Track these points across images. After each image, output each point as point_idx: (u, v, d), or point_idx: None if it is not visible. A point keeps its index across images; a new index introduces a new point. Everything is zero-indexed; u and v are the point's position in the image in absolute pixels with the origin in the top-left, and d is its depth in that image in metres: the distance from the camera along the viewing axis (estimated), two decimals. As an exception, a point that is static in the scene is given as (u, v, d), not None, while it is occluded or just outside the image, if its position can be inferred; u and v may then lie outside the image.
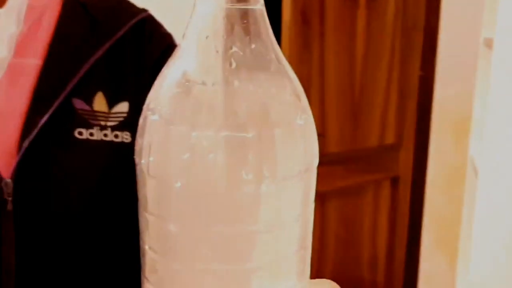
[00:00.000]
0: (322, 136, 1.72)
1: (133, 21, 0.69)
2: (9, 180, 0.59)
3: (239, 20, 0.26)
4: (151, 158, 0.26)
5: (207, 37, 0.26)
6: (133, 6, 0.73)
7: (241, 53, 0.26)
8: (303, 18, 1.70)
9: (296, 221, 0.27)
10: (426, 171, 1.92)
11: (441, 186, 1.90)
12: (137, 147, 0.27)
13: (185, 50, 0.26)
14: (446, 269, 1.90)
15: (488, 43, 1.32)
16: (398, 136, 1.93)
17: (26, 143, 0.59)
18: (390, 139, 1.93)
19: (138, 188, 0.28)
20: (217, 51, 0.26)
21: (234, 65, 0.26)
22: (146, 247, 0.28)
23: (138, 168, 0.27)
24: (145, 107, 0.27)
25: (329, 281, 0.32)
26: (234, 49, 0.26)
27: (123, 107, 0.64)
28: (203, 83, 0.26)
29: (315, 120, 0.28)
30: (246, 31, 0.26)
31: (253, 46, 0.26)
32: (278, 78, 0.26)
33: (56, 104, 0.61)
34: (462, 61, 1.81)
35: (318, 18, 1.73)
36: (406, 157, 1.95)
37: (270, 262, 0.27)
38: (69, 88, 0.62)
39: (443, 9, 1.82)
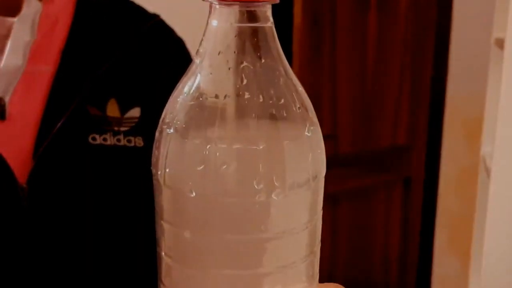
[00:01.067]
0: (333, 137, 1.73)
1: (145, 27, 0.70)
2: (24, 185, 0.60)
3: (250, 37, 0.27)
4: (167, 169, 0.27)
5: (219, 53, 0.27)
6: (144, 11, 0.74)
7: (252, 68, 0.27)
8: (314, 20, 1.71)
9: (305, 228, 0.28)
10: (439, 171, 1.91)
11: (453, 187, 1.90)
12: (153, 159, 0.29)
13: (198, 66, 0.28)
14: (459, 270, 1.90)
15: (500, 43, 1.32)
16: (410, 136, 1.93)
17: (41, 149, 0.61)
18: (402, 139, 1.93)
19: (154, 197, 0.29)
20: (229, 67, 0.27)
21: (245, 79, 0.27)
22: (162, 253, 0.30)
23: (154, 178, 0.29)
24: (161, 121, 0.29)
25: (336, 284, 0.33)
26: (245, 64, 0.27)
27: (135, 112, 0.66)
28: (216, 97, 0.27)
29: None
30: (257, 47, 0.27)
31: (263, 61, 0.27)
32: (287, 91, 0.28)
33: (69, 110, 0.62)
34: (474, 61, 1.80)
35: (329, 20, 1.73)
36: (418, 158, 1.95)
37: (280, 267, 0.28)
38: (82, 94, 0.63)
39: (455, 9, 1.82)
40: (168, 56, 0.71)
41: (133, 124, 0.65)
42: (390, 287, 2.06)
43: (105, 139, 0.63)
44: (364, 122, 1.85)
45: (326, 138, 0.29)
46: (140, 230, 0.66)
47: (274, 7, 0.28)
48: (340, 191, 1.86)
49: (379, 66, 1.83)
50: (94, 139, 0.63)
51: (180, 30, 0.74)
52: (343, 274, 1.95)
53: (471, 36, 1.81)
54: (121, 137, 0.64)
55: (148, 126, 0.66)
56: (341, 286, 0.33)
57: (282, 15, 1.59)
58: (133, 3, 0.74)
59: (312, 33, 1.70)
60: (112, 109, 0.65)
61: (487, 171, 1.36)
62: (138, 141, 0.65)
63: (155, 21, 0.73)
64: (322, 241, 0.31)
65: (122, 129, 0.65)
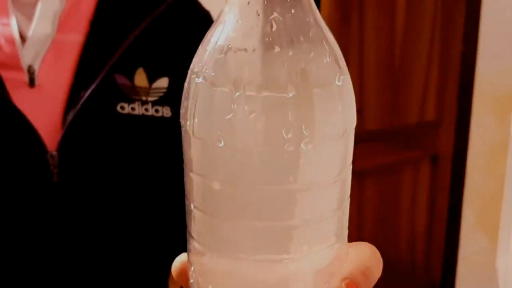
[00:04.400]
0: (360, 112, 1.71)
1: None
2: (54, 153, 0.61)
3: None
4: (195, 120, 0.27)
5: (248, 3, 0.27)
6: None
7: (281, 18, 0.27)
8: (342, -7, 1.68)
9: (334, 181, 0.28)
10: (467, 148, 1.88)
11: (482, 164, 1.87)
12: (182, 110, 0.29)
13: (227, 15, 0.27)
14: (487, 248, 1.88)
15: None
16: (438, 112, 1.90)
17: (70, 117, 0.62)
18: (430, 116, 1.90)
19: (183, 150, 0.29)
20: (258, 15, 0.27)
21: (274, 29, 0.27)
22: (191, 206, 0.30)
23: (183, 130, 0.29)
24: (190, 71, 0.29)
25: (366, 243, 0.33)
26: (275, 14, 0.27)
27: (163, 82, 0.66)
28: (245, 49, 0.27)
29: None
30: None
31: (292, 11, 0.27)
32: (317, 41, 0.27)
33: (98, 79, 0.63)
34: (505, 36, 1.76)
35: (357, -7, 1.71)
36: (446, 134, 1.92)
37: (309, 220, 0.28)
38: (110, 63, 0.64)
39: (486, -18, 1.78)
40: (195, 27, 0.71)
41: (161, 94, 0.66)
42: (416, 264, 2.05)
43: (133, 109, 0.64)
44: (391, 97, 1.82)
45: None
46: (166, 198, 0.67)
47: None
48: (366, 167, 1.84)
49: (408, 39, 1.80)
50: (122, 108, 0.64)
51: (206, 2, 0.74)
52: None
53: (502, 11, 1.76)
54: (149, 106, 0.65)
55: (176, 97, 0.66)
56: (372, 245, 0.32)
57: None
58: None
59: (340, 7, 1.68)
60: (140, 79, 0.65)
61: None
62: (166, 111, 0.65)
63: None
64: (348, 218, 0.31)
65: (150, 99, 0.65)
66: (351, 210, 0.31)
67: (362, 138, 1.76)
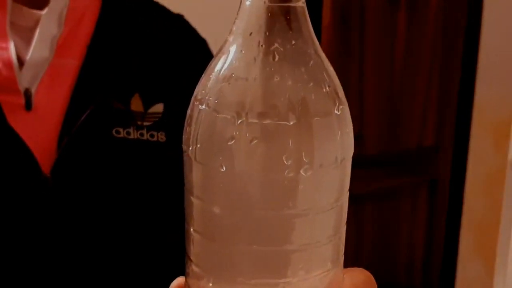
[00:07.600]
0: (359, 137, 1.72)
1: (169, 26, 0.72)
2: (48, 175, 0.62)
3: (282, 17, 0.28)
4: (198, 145, 0.28)
5: (251, 34, 0.28)
6: (169, 11, 0.75)
7: (282, 49, 0.28)
8: (343, 20, 1.70)
9: (331, 207, 0.29)
10: (465, 174, 1.89)
11: (481, 190, 1.87)
12: (185, 136, 0.29)
13: (231, 45, 0.28)
14: (484, 274, 1.87)
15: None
16: (437, 138, 1.91)
17: (65, 140, 0.62)
18: (429, 141, 1.91)
19: (185, 174, 0.30)
20: (260, 46, 0.28)
21: (276, 60, 0.28)
22: (191, 229, 0.30)
23: (185, 155, 0.29)
24: (193, 98, 0.29)
25: (362, 269, 0.33)
26: (276, 45, 0.28)
27: (158, 108, 0.66)
28: (247, 78, 0.28)
29: (353, 122, 0.29)
30: (288, 27, 0.28)
31: (293, 42, 0.28)
32: (317, 72, 0.28)
33: (94, 103, 0.63)
34: (503, 63, 1.78)
35: (358, 20, 1.73)
36: (445, 160, 1.93)
37: (307, 245, 0.29)
38: (106, 88, 0.64)
39: (485, 10, 1.80)
40: (191, 55, 0.71)
41: (157, 119, 0.66)
42: (414, 290, 2.04)
43: (128, 133, 0.64)
44: (390, 123, 1.84)
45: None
46: (160, 222, 0.67)
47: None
48: (365, 192, 1.85)
49: (407, 67, 1.82)
50: (117, 132, 0.64)
51: (201, 30, 0.75)
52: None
53: (501, 38, 1.79)
54: (144, 131, 0.65)
55: (171, 122, 0.67)
56: (367, 271, 0.33)
57: (311, 15, 1.59)
58: (158, 4, 0.75)
59: (341, 34, 1.70)
60: (136, 104, 0.66)
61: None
62: (161, 136, 0.66)
63: (179, 21, 0.74)
64: (346, 242, 0.32)
65: (146, 123, 0.66)
66: (349, 234, 0.32)
67: (362, 162, 1.76)
